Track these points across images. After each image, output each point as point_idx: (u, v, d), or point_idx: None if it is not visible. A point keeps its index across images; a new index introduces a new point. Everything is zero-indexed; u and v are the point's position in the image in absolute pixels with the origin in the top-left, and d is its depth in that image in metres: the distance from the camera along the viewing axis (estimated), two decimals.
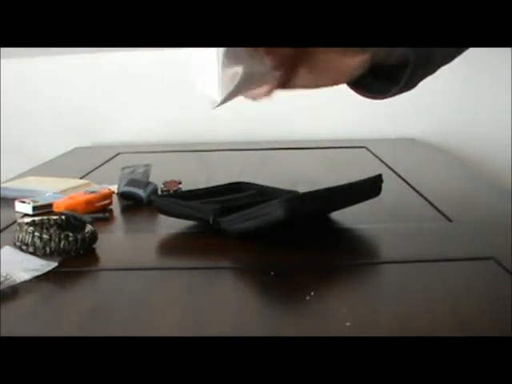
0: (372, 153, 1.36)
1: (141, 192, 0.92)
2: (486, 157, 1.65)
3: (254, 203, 0.75)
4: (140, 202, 0.92)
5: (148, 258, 0.72)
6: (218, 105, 0.64)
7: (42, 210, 0.88)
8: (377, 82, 0.65)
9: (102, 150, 1.53)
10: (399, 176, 1.09)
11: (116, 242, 0.79)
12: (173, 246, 0.78)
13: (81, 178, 1.13)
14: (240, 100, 0.67)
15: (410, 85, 0.63)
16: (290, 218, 0.70)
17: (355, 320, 0.53)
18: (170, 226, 0.81)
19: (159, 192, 0.96)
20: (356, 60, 0.61)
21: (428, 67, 0.62)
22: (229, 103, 0.65)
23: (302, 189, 0.82)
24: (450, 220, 0.82)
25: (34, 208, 0.88)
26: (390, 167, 1.17)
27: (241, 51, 0.62)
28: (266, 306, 0.60)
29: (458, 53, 0.66)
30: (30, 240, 0.69)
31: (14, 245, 0.70)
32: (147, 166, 1.02)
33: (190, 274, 0.67)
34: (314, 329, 0.53)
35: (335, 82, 0.64)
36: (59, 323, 0.56)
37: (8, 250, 0.69)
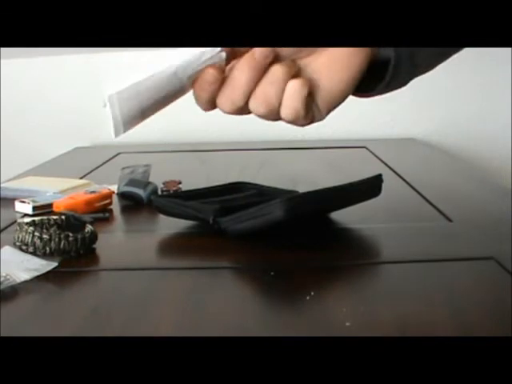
0: (372, 153, 1.36)
1: (141, 192, 0.92)
2: (486, 157, 1.65)
3: (253, 203, 0.75)
4: (140, 202, 0.92)
5: (148, 257, 0.72)
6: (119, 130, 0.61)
7: (42, 209, 0.88)
8: (362, 81, 0.64)
9: (101, 150, 1.53)
10: (399, 176, 1.09)
11: (116, 242, 0.79)
12: (173, 246, 0.78)
13: (81, 178, 1.13)
14: None
15: (394, 83, 0.62)
16: (289, 218, 0.70)
17: (355, 320, 0.53)
18: (170, 226, 0.81)
19: (159, 192, 0.96)
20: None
21: (411, 66, 0.62)
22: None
23: (302, 189, 0.82)
24: (450, 220, 0.82)
25: (34, 208, 0.88)
26: (390, 167, 1.17)
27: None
28: (266, 306, 0.60)
29: (443, 58, 0.65)
30: (29, 240, 0.69)
31: (14, 245, 0.70)
32: (147, 166, 1.02)
33: (190, 273, 0.67)
34: (314, 329, 0.53)
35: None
36: (59, 323, 0.56)
37: (8, 250, 0.69)
